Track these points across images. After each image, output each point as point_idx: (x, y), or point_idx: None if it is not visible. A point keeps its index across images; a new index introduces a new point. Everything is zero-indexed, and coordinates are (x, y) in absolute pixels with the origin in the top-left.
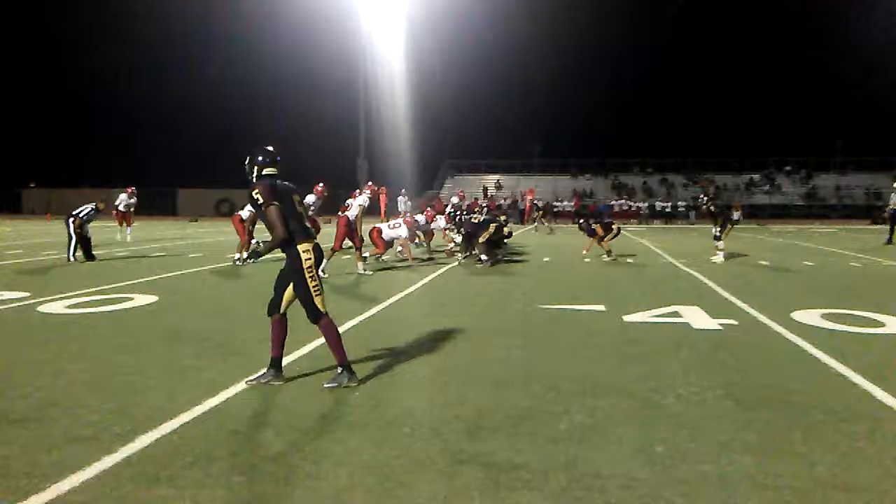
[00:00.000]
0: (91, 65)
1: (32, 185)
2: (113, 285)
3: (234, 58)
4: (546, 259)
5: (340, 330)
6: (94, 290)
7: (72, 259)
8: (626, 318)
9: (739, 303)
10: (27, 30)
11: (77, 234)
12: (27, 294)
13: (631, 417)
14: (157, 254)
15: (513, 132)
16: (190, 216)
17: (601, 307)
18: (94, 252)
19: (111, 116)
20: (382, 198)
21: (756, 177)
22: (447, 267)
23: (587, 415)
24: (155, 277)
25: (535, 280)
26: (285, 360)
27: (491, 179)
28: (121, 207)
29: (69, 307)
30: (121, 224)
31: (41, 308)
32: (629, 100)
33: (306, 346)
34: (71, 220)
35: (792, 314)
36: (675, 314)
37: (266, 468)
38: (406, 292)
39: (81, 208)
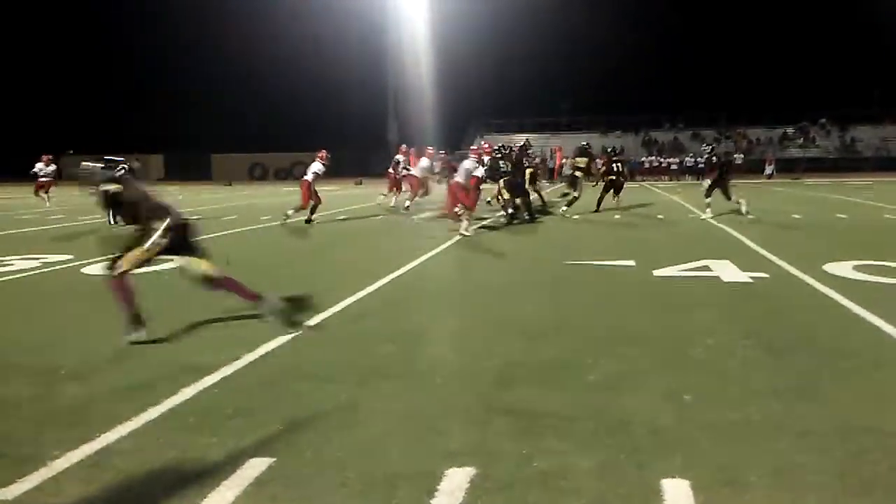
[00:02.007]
0: (127, 33)
1: (71, 152)
2: None
3: (262, 21)
4: (576, 217)
5: (376, 286)
6: None
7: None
8: (656, 272)
9: (771, 256)
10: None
11: None
12: (71, 257)
13: (660, 367)
14: (193, 217)
15: (542, 90)
16: (224, 181)
17: (631, 262)
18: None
19: (147, 84)
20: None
21: (790, 130)
22: (476, 225)
23: (616, 364)
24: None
25: (565, 236)
26: (321, 316)
27: (520, 138)
28: (40, 175)
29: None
30: (38, 192)
31: (85, 270)
32: (659, 54)
33: (339, 304)
34: None
35: (824, 266)
36: (706, 268)
37: (303, 418)
38: (437, 250)
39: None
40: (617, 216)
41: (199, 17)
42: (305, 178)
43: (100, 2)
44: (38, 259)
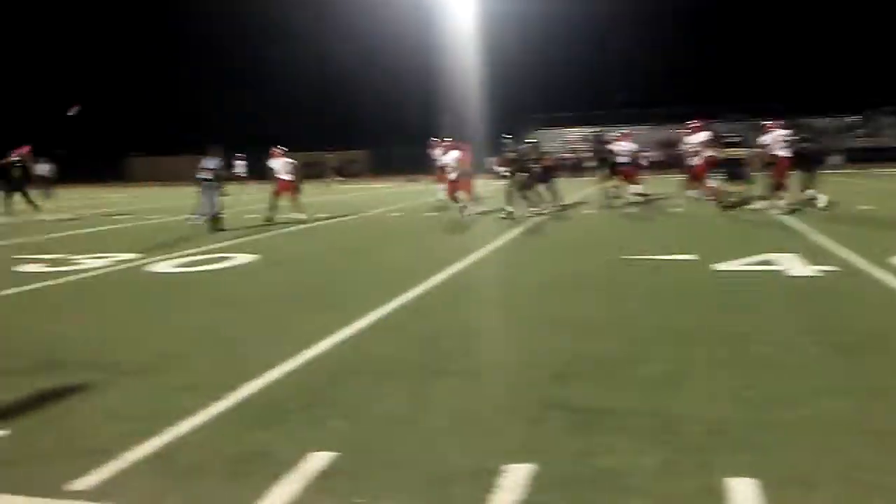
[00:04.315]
0: (188, 34)
1: (136, 154)
2: (215, 245)
3: (315, 23)
4: (633, 210)
5: (433, 283)
6: (198, 250)
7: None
8: (718, 266)
9: (837, 249)
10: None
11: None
12: (137, 255)
13: (721, 364)
14: (256, 214)
15: (595, 82)
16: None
17: (692, 256)
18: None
19: (226, 85)
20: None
21: (855, 119)
22: (530, 222)
23: (675, 362)
24: (255, 237)
25: (623, 230)
26: (380, 312)
27: (574, 132)
28: None
29: (176, 266)
30: None
31: (150, 268)
32: (719, 42)
33: (397, 300)
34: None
35: (892, 259)
36: (770, 262)
37: (363, 413)
38: (493, 246)
39: (213, 165)
40: (679, 209)
41: (273, 19)
42: (283, 178)
43: (166, 8)
44: (107, 257)
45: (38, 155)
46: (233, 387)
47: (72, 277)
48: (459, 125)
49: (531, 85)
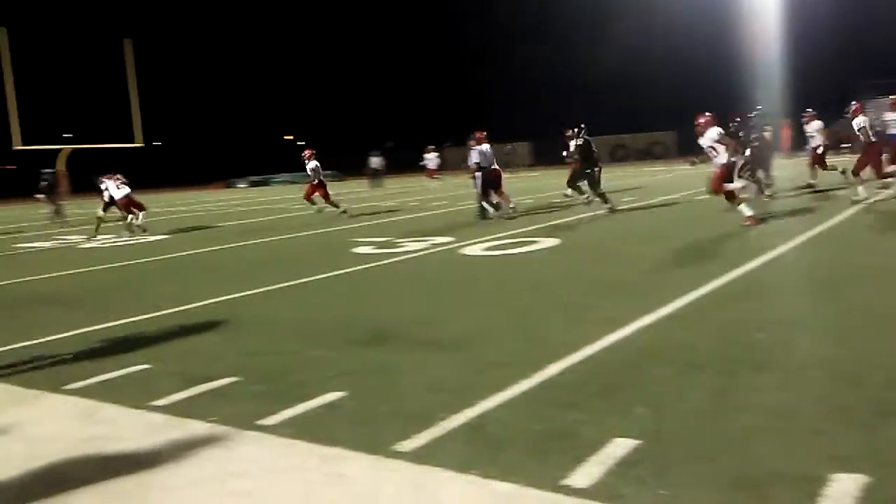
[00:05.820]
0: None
1: (434, 147)
2: (522, 230)
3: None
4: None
5: (747, 268)
6: (505, 234)
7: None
8: None
9: None
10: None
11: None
12: (453, 239)
13: None
14: (557, 200)
15: None
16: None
17: None
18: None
19: (517, 77)
20: (786, 131)
21: None
22: (857, 208)
23: None
24: (557, 222)
25: None
26: (686, 298)
27: None
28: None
29: (486, 250)
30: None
31: (463, 251)
32: None
33: (706, 286)
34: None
35: None
36: None
37: (668, 403)
38: (817, 230)
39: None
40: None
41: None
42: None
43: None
44: (426, 241)
45: (370, 148)
46: (539, 366)
47: (397, 259)
48: (772, 100)
49: (855, 49)
